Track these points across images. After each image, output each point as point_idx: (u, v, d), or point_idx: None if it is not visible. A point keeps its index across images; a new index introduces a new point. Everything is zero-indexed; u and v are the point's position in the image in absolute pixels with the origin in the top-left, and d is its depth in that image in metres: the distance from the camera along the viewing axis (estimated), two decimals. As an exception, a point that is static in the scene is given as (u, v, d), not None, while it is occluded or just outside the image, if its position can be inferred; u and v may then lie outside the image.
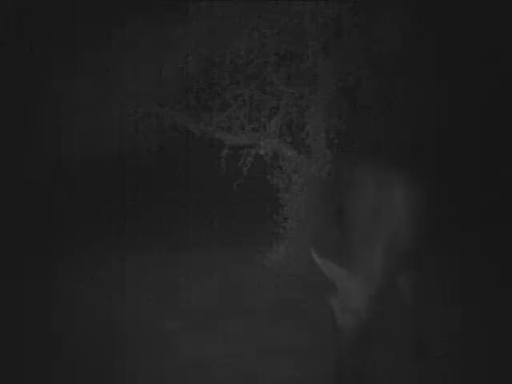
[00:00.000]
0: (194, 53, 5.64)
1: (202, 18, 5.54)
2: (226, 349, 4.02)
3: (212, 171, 6.39)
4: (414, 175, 3.57)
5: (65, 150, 6.19)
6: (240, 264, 6.08)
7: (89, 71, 5.85)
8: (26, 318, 4.67)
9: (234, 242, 6.68)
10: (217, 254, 6.39)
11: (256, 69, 5.89)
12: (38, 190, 7.38)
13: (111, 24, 5.58)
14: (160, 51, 5.68)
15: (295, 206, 6.14)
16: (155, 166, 7.04)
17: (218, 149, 6.08)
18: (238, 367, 3.73)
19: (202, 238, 6.92)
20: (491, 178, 6.42)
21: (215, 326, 4.46)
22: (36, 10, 5.78)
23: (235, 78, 5.95)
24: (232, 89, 6.00)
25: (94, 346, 4.11)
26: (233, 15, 5.47)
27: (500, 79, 5.82)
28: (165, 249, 6.62)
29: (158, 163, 6.92)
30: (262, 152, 6.01)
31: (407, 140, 5.31)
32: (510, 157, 6.32)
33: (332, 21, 5.50)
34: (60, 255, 6.36)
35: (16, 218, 7.24)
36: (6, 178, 6.78)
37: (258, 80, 5.95)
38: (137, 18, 5.58)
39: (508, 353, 3.74)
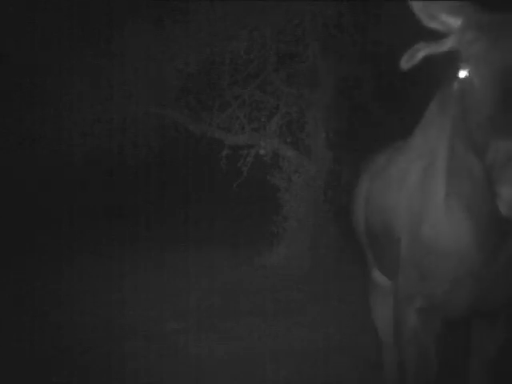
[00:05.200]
0: (194, 53, 5.64)
1: (202, 18, 5.54)
2: (225, 349, 4.01)
3: (212, 171, 6.39)
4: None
5: (65, 150, 6.20)
6: (240, 264, 6.08)
7: (89, 71, 5.85)
8: (25, 318, 4.66)
9: (233, 242, 6.68)
10: (217, 254, 6.39)
11: (256, 69, 5.90)
12: (38, 190, 7.39)
13: (111, 24, 5.58)
14: (160, 51, 5.68)
15: (295, 205, 6.14)
16: (155, 165, 7.05)
17: (218, 149, 6.08)
18: (238, 367, 3.72)
19: (201, 237, 6.92)
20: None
21: (215, 326, 4.46)
22: (36, 10, 5.78)
23: (235, 77, 5.96)
24: (232, 89, 6.01)
25: (93, 346, 4.11)
26: (233, 15, 5.47)
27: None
28: (165, 249, 6.62)
29: (158, 163, 6.93)
30: (262, 152, 6.02)
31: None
32: None
33: (332, 21, 5.50)
34: (60, 255, 6.36)
35: (16, 218, 7.25)
36: (6, 178, 6.79)
37: (258, 80, 5.96)
38: (136, 19, 5.58)
39: None
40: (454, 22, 1.85)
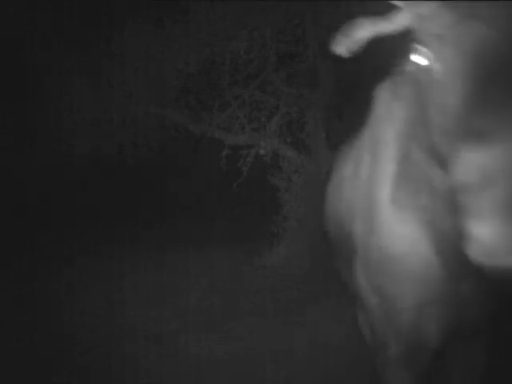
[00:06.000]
0: (194, 53, 5.65)
1: (202, 18, 5.55)
2: (225, 349, 4.01)
3: (212, 171, 6.39)
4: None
5: (65, 150, 6.20)
6: (239, 264, 6.08)
7: (89, 71, 5.85)
8: (25, 318, 4.66)
9: (233, 242, 6.67)
10: (217, 254, 6.39)
11: (256, 69, 5.90)
12: (37, 190, 7.39)
13: (111, 24, 5.59)
14: (160, 51, 5.69)
15: (295, 205, 6.14)
16: (155, 166, 7.05)
17: (218, 149, 6.08)
18: (238, 367, 3.73)
19: (201, 237, 6.91)
20: None
21: (215, 326, 4.46)
22: (36, 10, 5.78)
23: (235, 77, 5.96)
24: (232, 89, 6.01)
25: (93, 346, 4.11)
26: (233, 15, 5.48)
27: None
28: (165, 249, 6.62)
29: (158, 163, 6.93)
30: (262, 152, 6.02)
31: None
32: None
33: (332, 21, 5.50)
34: (59, 255, 6.35)
35: (15, 219, 7.24)
36: (5, 178, 6.79)
37: (258, 80, 5.96)
38: (137, 19, 5.59)
39: None
40: None
